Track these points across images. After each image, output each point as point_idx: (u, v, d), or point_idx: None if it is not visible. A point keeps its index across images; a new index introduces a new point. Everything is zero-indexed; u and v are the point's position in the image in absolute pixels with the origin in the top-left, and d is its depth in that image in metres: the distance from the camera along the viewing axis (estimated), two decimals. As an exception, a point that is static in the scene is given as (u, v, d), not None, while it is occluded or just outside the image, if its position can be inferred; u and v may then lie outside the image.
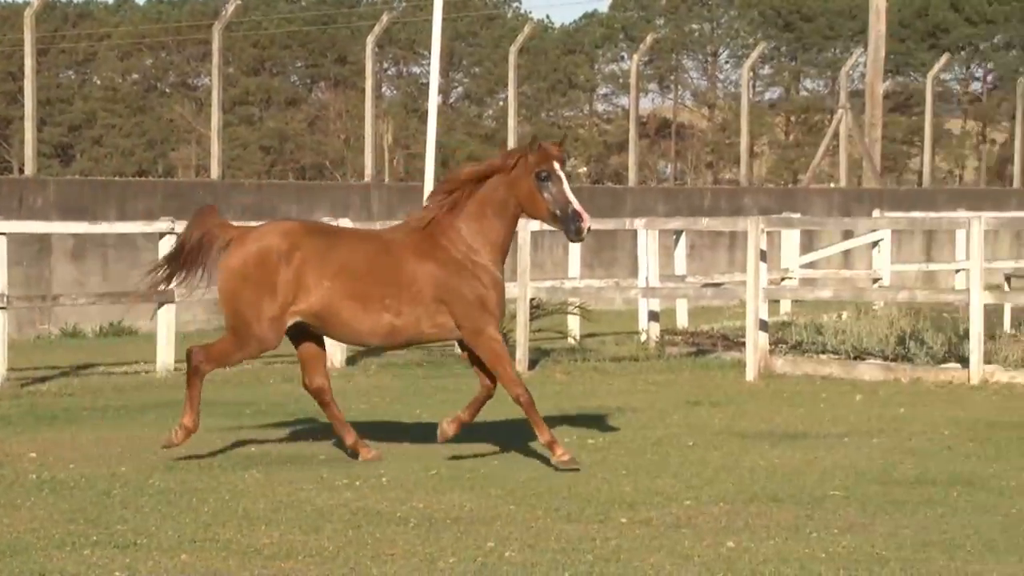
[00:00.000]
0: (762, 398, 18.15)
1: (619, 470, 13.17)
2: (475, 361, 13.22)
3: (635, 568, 9.55)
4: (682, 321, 25.54)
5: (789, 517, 11.05)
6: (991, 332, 20.41)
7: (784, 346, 21.34)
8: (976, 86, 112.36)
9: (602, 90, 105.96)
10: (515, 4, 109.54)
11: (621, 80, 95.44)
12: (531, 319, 22.12)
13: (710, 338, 23.94)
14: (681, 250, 25.70)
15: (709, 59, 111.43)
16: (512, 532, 10.63)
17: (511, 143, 39.65)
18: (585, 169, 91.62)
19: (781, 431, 15.35)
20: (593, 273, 30.54)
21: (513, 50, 38.56)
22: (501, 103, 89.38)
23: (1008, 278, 25.45)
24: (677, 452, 14.16)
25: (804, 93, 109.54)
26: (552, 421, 16.10)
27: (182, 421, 13.22)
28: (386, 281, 12.89)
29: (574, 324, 24.85)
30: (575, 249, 25.21)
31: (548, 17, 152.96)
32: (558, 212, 12.69)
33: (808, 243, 30.72)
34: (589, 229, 12.80)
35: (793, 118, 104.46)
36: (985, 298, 19.52)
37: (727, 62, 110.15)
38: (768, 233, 21.24)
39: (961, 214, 25.40)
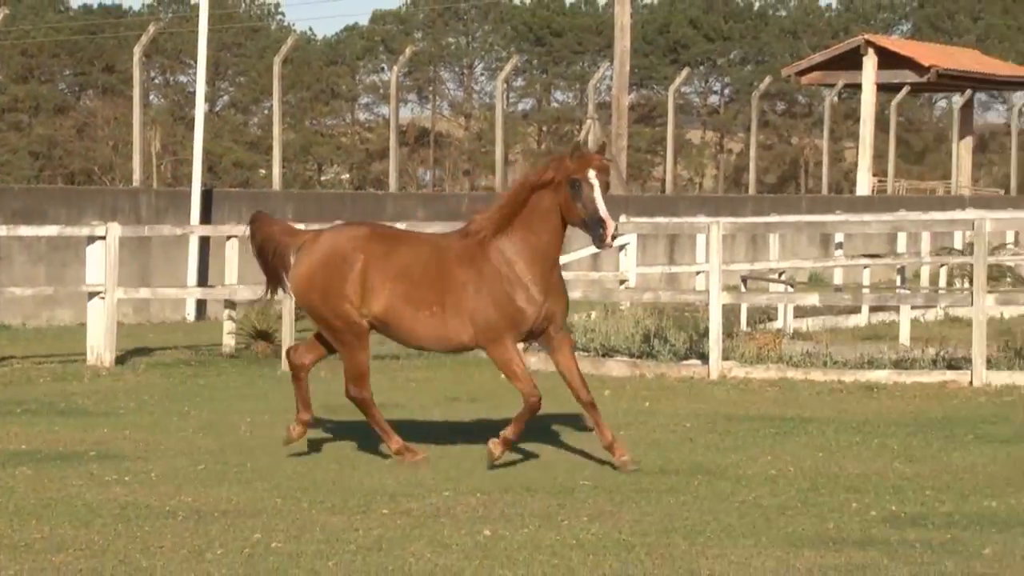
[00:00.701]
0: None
1: (381, 463, 13.18)
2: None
3: (396, 556, 9.55)
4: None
5: (542, 506, 11.14)
6: (729, 330, 20.75)
7: (538, 344, 21.46)
8: (714, 99, 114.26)
9: (363, 100, 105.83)
10: (279, 16, 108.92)
11: (381, 91, 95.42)
12: (296, 319, 21.99)
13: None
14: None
15: (465, 71, 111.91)
16: (278, 524, 10.58)
17: (276, 151, 39.46)
18: (348, 176, 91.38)
19: (535, 425, 15.43)
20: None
21: (277, 60, 38.31)
22: (266, 111, 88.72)
23: (744, 279, 25.91)
24: (437, 446, 14.19)
25: (555, 104, 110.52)
26: (318, 417, 16.08)
27: (393, 448, 13.10)
28: (434, 288, 12.58)
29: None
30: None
31: (311, 29, 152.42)
32: (587, 219, 12.21)
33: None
34: (615, 236, 12.33)
35: (545, 128, 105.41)
36: (723, 298, 19.87)
37: (482, 74, 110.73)
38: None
39: (701, 219, 25.77)
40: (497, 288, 12.40)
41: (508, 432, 12.66)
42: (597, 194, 12.10)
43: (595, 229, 12.13)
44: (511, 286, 12.40)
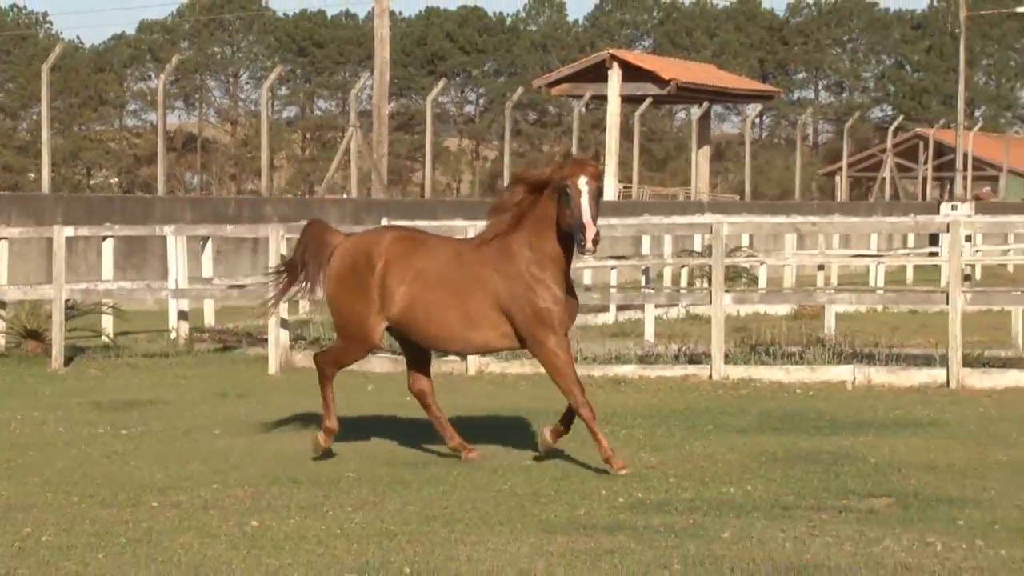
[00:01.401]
0: (284, 390, 18.14)
1: (151, 458, 13.00)
2: None
3: (165, 548, 9.43)
4: (209, 320, 25.34)
5: (307, 497, 11.08)
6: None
7: (304, 342, 21.36)
8: (470, 108, 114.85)
9: (131, 106, 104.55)
10: (47, 25, 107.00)
11: (149, 97, 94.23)
12: (67, 319, 21.62)
13: (236, 335, 23.85)
14: (208, 255, 25.52)
15: (231, 80, 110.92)
16: (49, 518, 10.38)
17: (45, 155, 38.67)
18: (116, 180, 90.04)
19: (301, 419, 15.35)
20: (126, 275, 30.00)
21: (45, 68, 37.60)
22: (35, 117, 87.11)
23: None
24: (205, 440, 14.06)
25: (318, 112, 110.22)
26: (88, 415, 15.82)
27: (324, 425, 12.86)
28: (455, 290, 12.23)
29: (108, 323, 24.38)
30: (107, 253, 24.75)
31: (79, 37, 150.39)
32: (572, 224, 11.72)
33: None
34: (595, 242, 11.72)
35: (309, 135, 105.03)
36: (480, 297, 19.88)
37: (247, 83, 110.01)
38: (288, 239, 21.26)
39: (458, 223, 25.79)
40: (521, 290, 12.05)
41: (602, 453, 12.01)
42: (584, 200, 11.69)
43: (577, 234, 11.70)
44: (535, 286, 12.03)
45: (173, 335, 23.85)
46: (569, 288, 12.22)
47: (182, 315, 24.00)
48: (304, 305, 26.66)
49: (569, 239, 11.90)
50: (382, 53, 49.48)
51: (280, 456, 13.06)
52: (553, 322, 12.03)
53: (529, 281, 12.01)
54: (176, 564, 9.02)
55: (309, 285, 13.09)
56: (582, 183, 11.71)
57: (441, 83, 53.76)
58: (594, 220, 11.68)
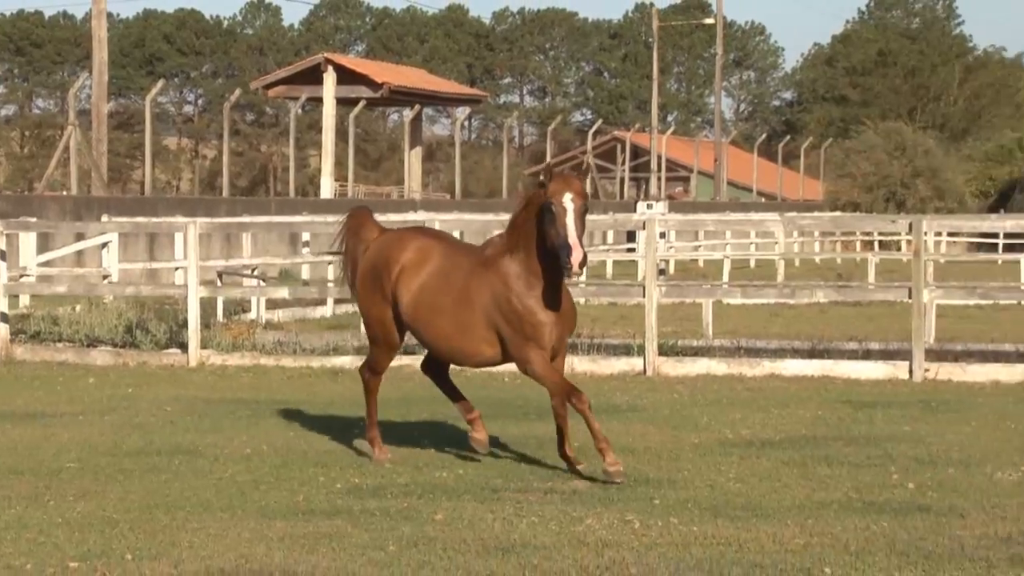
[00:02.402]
0: (4, 382, 17.65)
1: None
2: None
3: None
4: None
5: (29, 488, 10.81)
6: (206, 321, 20.62)
7: (24, 336, 20.83)
8: (189, 109, 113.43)
9: None
10: None
11: None
12: None
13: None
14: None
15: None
16: None
17: None
18: None
19: (22, 411, 14.99)
20: None
21: None
22: None
23: (220, 275, 25.78)
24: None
25: (37, 111, 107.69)
26: None
27: (369, 436, 12.12)
28: (451, 302, 11.47)
29: None
30: None
31: None
32: (557, 244, 10.70)
33: (44, 244, 30.11)
34: (583, 264, 10.71)
35: (27, 133, 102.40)
36: (201, 292, 19.74)
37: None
38: (7, 235, 20.76)
39: (179, 219, 25.47)
40: (507, 305, 11.19)
41: (599, 446, 10.98)
42: (569, 219, 10.66)
43: (563, 255, 10.65)
44: (520, 304, 11.13)
45: None
46: (566, 306, 11.28)
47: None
48: (24, 299, 26.03)
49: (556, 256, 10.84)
50: (100, 54, 48.55)
51: (1, 448, 12.71)
52: (539, 339, 11.14)
53: (513, 299, 11.15)
54: None
55: (350, 278, 12.44)
56: (567, 200, 10.71)
57: (160, 83, 53.01)
58: (580, 239, 10.70)
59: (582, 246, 10.69)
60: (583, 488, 10.66)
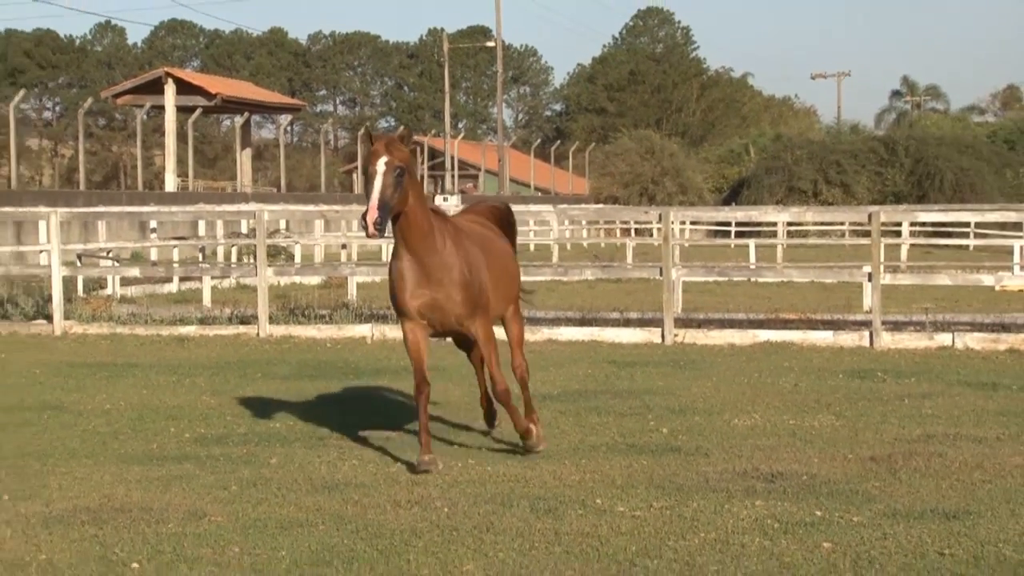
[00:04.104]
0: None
1: None
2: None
3: None
4: None
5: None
6: (69, 296, 20.17)
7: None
8: (48, 114, 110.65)
9: None
10: None
11: None
12: None
13: None
14: None
15: None
16: None
17: None
18: None
19: (-93, 375, 14.51)
20: None
21: None
22: None
23: (80, 256, 25.21)
24: None
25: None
26: None
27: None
28: None
29: None
30: None
31: None
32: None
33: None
34: (376, 224, 8.71)
35: None
36: (63, 271, 19.29)
37: None
38: None
39: (43, 209, 24.80)
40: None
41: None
42: (377, 182, 8.82)
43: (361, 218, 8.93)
44: (389, 272, 9.45)
45: None
46: (435, 270, 9.21)
47: None
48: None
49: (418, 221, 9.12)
50: (-28, 65, 46.97)
51: None
52: (401, 308, 9.30)
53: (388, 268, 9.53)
54: None
55: None
56: (379, 164, 8.88)
57: (21, 92, 51.49)
58: (388, 202, 8.81)
59: (384, 208, 8.80)
60: (395, 436, 10.66)
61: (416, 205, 9.12)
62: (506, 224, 10.48)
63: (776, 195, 72.59)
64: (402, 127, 9.83)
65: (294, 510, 8.09)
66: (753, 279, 26.54)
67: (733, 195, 79.52)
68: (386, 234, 8.98)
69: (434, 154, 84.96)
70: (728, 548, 7.16)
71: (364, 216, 8.80)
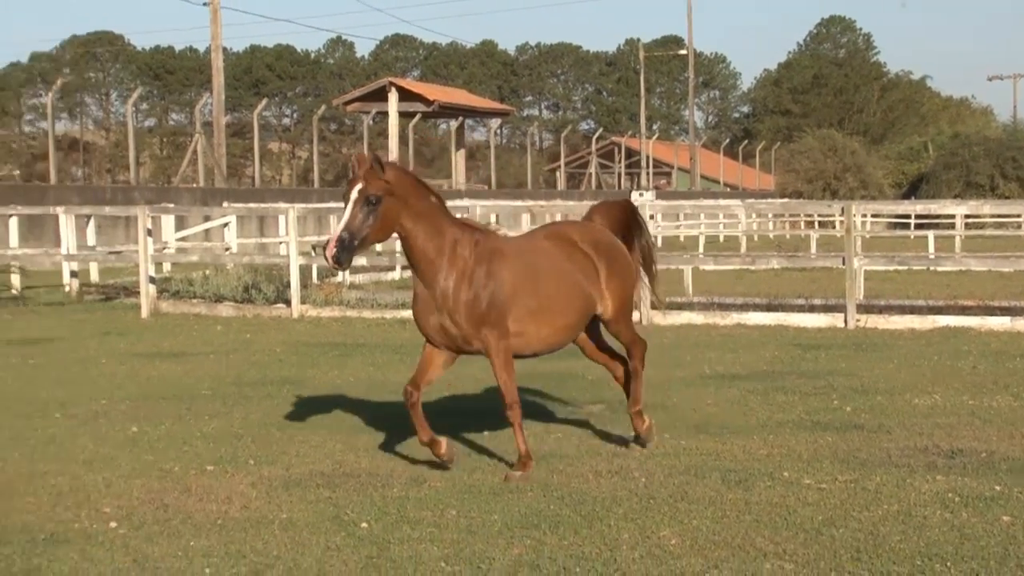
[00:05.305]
0: (153, 329, 17.74)
1: (53, 381, 12.61)
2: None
3: (67, 448, 9.20)
4: (95, 277, 24.69)
5: (174, 409, 10.88)
6: (305, 283, 20.64)
7: (167, 294, 20.90)
8: (287, 120, 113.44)
9: (27, 116, 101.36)
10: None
11: (41, 110, 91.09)
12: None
13: (115, 289, 23.28)
14: (91, 229, 24.89)
15: (104, 97, 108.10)
16: (-24, 428, 10.02)
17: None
18: (18, 172, 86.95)
19: (167, 351, 15.06)
20: (28, 244, 29.01)
21: (-37, 86, 36.06)
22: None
23: (314, 247, 25.75)
24: (95, 367, 13.69)
25: (171, 123, 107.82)
26: (3, 349, 15.28)
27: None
28: None
29: (16, 280, 23.56)
30: (13, 227, 24.01)
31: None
32: None
33: (180, 224, 30.10)
34: (334, 257, 7.70)
35: (165, 139, 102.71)
36: (300, 260, 19.75)
37: (116, 99, 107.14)
38: (152, 218, 20.82)
39: (281, 205, 25.47)
40: None
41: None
42: (346, 212, 7.87)
43: None
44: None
45: (67, 289, 23.22)
46: (450, 294, 8.16)
47: (73, 274, 23.40)
48: (166, 267, 26.12)
49: (408, 244, 8.18)
50: (218, 79, 48.52)
51: (152, 379, 12.79)
52: (423, 332, 8.37)
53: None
54: (75, 460, 8.79)
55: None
56: (352, 194, 7.94)
57: (263, 101, 53.02)
58: (354, 233, 7.82)
59: (346, 240, 7.75)
60: (597, 411, 10.65)
61: (417, 230, 8.06)
62: (630, 222, 9.27)
63: (954, 190, 70.49)
64: (369, 152, 8.40)
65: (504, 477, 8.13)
66: (932, 268, 25.78)
67: (912, 190, 77.46)
68: (351, 265, 7.78)
69: (630, 153, 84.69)
70: (910, 520, 6.96)
71: (324, 247, 7.82)
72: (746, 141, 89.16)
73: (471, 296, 8.14)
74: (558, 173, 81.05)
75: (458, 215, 8.60)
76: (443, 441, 8.33)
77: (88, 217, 24.90)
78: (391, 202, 7.96)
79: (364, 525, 7.01)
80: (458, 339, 8.23)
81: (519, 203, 35.46)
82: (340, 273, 24.80)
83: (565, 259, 8.63)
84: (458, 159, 67.50)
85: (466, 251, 8.22)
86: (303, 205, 25.49)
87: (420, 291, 8.27)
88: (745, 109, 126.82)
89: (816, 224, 49.01)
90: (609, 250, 8.87)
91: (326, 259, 7.78)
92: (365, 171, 7.96)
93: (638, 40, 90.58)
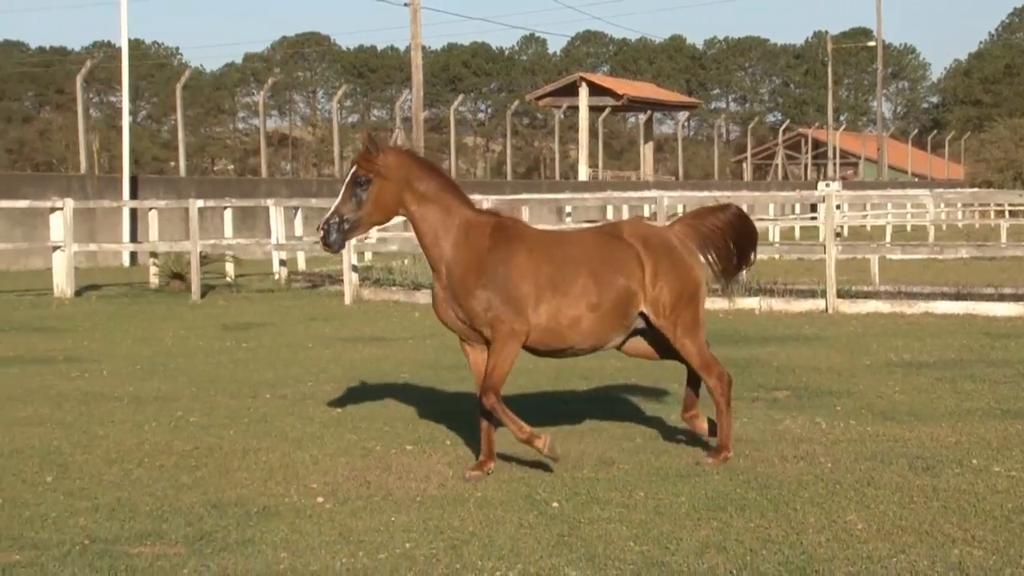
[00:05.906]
0: (356, 315, 18.14)
1: (264, 363, 12.99)
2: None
3: (276, 427, 9.45)
4: (302, 266, 25.36)
5: (375, 392, 11.03)
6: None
7: (368, 281, 21.36)
8: (481, 115, 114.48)
9: (240, 114, 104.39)
10: (179, 55, 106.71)
11: (253, 108, 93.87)
12: (201, 265, 21.60)
13: (321, 277, 23.85)
14: (299, 220, 25.54)
15: (311, 95, 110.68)
16: (194, 405, 10.39)
17: (181, 149, 38.57)
18: (232, 167, 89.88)
19: (368, 336, 15.38)
20: (241, 234, 29.98)
21: (178, 87, 37.48)
22: (173, 122, 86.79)
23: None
24: (302, 351, 14.05)
25: (373, 118, 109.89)
26: (218, 333, 15.82)
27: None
28: None
29: (230, 269, 24.38)
30: (228, 219, 24.79)
31: (201, 64, 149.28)
32: None
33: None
34: (324, 240, 7.58)
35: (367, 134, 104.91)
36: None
37: (323, 97, 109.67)
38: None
39: (476, 196, 25.67)
40: None
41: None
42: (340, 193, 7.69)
43: None
44: None
45: (276, 277, 23.89)
46: (456, 283, 7.68)
47: (282, 263, 24.04)
48: (368, 256, 26.66)
49: (419, 229, 7.73)
50: (417, 76, 49.16)
51: (355, 362, 13.05)
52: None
53: None
54: (284, 438, 9.03)
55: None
56: (348, 175, 7.70)
57: (459, 97, 53.58)
58: (343, 215, 7.56)
59: (334, 222, 7.53)
60: (781, 397, 10.49)
61: (424, 213, 7.63)
62: (737, 230, 8.58)
63: None
64: (366, 132, 8.09)
65: (691, 461, 8.07)
66: None
67: (1106, 179, 74.05)
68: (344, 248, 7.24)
69: (817, 144, 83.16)
70: (1103, 512, 6.68)
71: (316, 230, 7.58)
72: (935, 131, 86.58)
73: (481, 282, 7.59)
74: (744, 164, 79.98)
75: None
76: (544, 437, 7.62)
77: (296, 209, 25.59)
78: (385, 184, 7.56)
79: (555, 504, 7.05)
80: (464, 323, 7.72)
81: (706, 194, 35.10)
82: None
83: (600, 248, 7.90)
84: (646, 151, 67.22)
85: (480, 236, 7.68)
86: (497, 196, 25.69)
87: (437, 291, 7.79)
88: (934, 99, 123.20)
89: (1007, 214, 47.32)
90: (662, 248, 8.04)
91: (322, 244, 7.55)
92: (359, 154, 7.62)
93: (826, 32, 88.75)
